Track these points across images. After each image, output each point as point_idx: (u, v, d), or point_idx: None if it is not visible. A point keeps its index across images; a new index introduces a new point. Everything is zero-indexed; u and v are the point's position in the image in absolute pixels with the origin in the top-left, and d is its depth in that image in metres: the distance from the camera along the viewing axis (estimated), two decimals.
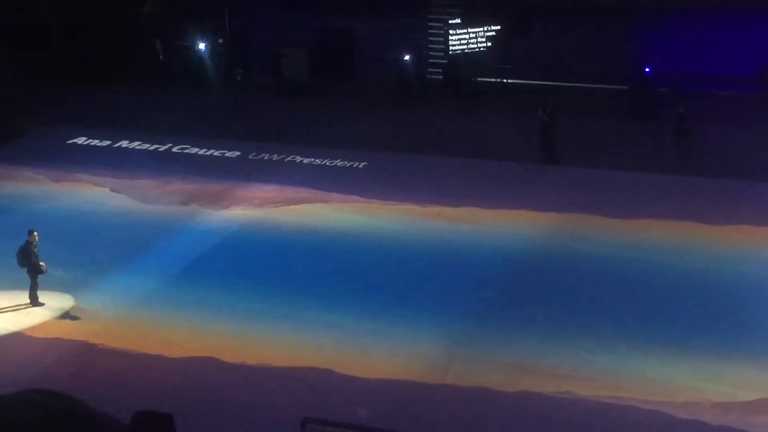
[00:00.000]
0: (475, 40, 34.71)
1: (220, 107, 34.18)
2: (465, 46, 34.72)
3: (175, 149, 30.30)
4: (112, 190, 27.04)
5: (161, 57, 37.22)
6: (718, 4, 32.35)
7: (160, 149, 30.34)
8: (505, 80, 35.39)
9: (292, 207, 25.70)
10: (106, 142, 30.94)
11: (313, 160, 29.03)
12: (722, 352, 18.73)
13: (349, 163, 28.74)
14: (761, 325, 19.61)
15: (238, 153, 29.78)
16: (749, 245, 22.91)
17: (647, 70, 32.14)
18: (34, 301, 20.63)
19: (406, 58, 34.58)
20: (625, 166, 27.68)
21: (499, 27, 34.71)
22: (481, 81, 35.05)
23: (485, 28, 34.65)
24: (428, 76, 35.57)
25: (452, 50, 34.75)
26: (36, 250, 20.48)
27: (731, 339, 19.13)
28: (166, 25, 37.34)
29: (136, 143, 30.79)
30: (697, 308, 20.31)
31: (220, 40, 37.27)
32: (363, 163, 28.72)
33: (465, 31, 34.63)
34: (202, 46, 36.32)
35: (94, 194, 26.83)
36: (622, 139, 29.85)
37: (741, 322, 19.76)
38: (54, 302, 20.75)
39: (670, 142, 28.40)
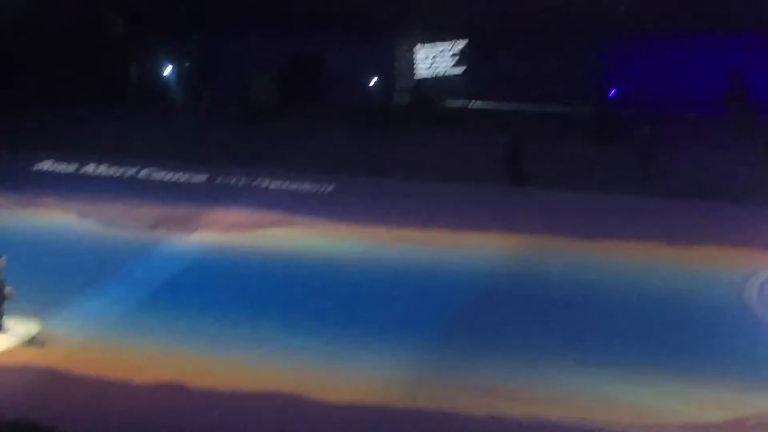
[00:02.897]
0: (442, 63, 34.88)
1: (187, 131, 34.10)
2: (432, 70, 34.87)
3: (142, 173, 30.21)
4: (80, 214, 26.91)
5: (134, 80, 37.16)
6: (682, 27, 32.61)
7: (127, 173, 30.25)
8: (471, 102, 35.52)
9: (259, 231, 25.66)
10: (74, 167, 30.83)
11: (280, 183, 29.01)
12: (690, 373, 18.78)
13: (316, 186, 28.73)
14: (729, 347, 19.72)
15: (205, 177, 29.73)
16: (716, 266, 23.04)
17: (612, 92, 32.35)
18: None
19: (373, 81, 34.65)
20: (592, 187, 27.79)
21: (465, 50, 34.89)
22: (447, 103, 35.18)
23: (452, 52, 34.83)
24: (395, 100, 35.62)
25: (419, 73, 34.89)
26: (2, 276, 20.35)
27: (699, 360, 19.20)
28: (135, 48, 37.27)
29: (104, 167, 30.69)
30: (665, 330, 20.39)
31: (188, 64, 37.22)
32: (330, 187, 28.71)
33: (432, 54, 34.79)
34: (170, 69, 36.28)
35: (62, 219, 26.69)
36: (588, 161, 29.95)
37: (709, 343, 19.85)
38: (20, 328, 20.57)
39: (635, 163, 28.55)
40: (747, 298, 21.69)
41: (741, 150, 29.71)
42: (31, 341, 20.31)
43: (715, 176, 28.24)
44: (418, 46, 34.84)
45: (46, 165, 31.06)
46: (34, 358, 19.71)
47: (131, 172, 30.34)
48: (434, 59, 35.06)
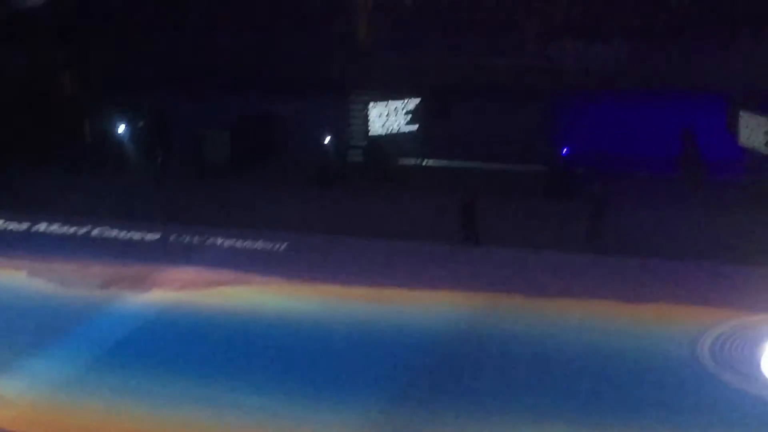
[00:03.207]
0: (395, 121, 35.06)
1: (140, 189, 33.97)
2: (385, 127, 35.04)
3: (94, 232, 30.04)
4: (30, 273, 26.72)
5: (87, 139, 37.07)
6: (634, 86, 33.03)
7: (79, 232, 30.07)
8: (424, 161, 35.70)
9: (212, 289, 25.56)
10: (25, 225, 30.61)
11: (233, 241, 28.95)
12: (643, 429, 18.86)
13: (270, 244, 28.69)
14: (682, 403, 19.80)
15: (158, 235, 29.60)
16: (668, 323, 23.16)
17: (565, 150, 32.62)
18: None
19: (327, 139, 34.75)
20: (545, 245, 27.94)
21: (418, 108, 35.12)
22: (400, 161, 35.34)
23: (405, 109, 35.05)
24: (349, 157, 35.71)
25: (372, 131, 35.06)
26: None
27: (652, 416, 19.30)
28: (88, 107, 37.21)
29: (55, 226, 30.50)
30: (618, 386, 20.47)
31: (142, 122, 37.16)
32: (284, 244, 28.68)
33: (385, 112, 34.97)
34: (122, 128, 36.22)
35: (12, 278, 26.48)
36: (541, 219, 30.13)
37: (662, 399, 19.94)
38: None
39: (586, 221, 28.74)
40: (699, 354, 21.82)
41: (693, 208, 30.04)
42: None
43: (667, 234, 28.48)
44: (372, 104, 35.00)
45: None
46: None
47: (83, 230, 30.16)
48: (387, 117, 35.22)
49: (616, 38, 33.09)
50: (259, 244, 28.71)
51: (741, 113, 31.69)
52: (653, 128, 33.32)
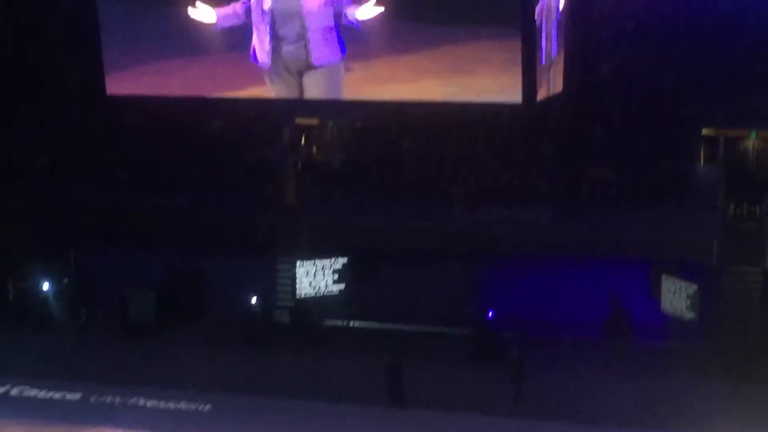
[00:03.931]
0: (323, 282, 35.10)
1: (62, 348, 33.49)
2: (312, 288, 35.05)
3: (13, 392, 29.47)
4: None
5: (10, 296, 36.67)
6: (560, 251, 33.54)
7: None
8: (351, 322, 35.71)
9: None
10: None
11: (157, 402, 28.53)
12: None
13: (194, 405, 28.33)
14: None
15: (79, 395, 29.10)
16: None
17: (491, 313, 32.83)
18: None
19: (253, 299, 34.69)
20: (470, 408, 27.90)
21: (345, 269, 35.25)
22: (327, 322, 35.32)
23: (332, 270, 35.15)
24: (275, 317, 35.61)
25: (299, 292, 35.04)
26: None
27: None
28: (10, 264, 36.88)
29: None
30: None
31: (66, 280, 36.86)
32: (208, 406, 28.33)
33: (312, 272, 35.04)
34: (46, 285, 35.91)
35: None
36: (466, 382, 30.13)
37: None
38: None
39: (512, 385, 28.80)
40: None
41: (618, 373, 30.26)
42: None
43: (591, 398, 28.60)
44: (299, 263, 35.07)
45: None
46: None
47: (2, 389, 29.58)
48: (315, 276, 35.27)
49: (543, 203, 33.70)
50: (183, 405, 28.32)
51: (664, 278, 32.27)
52: (578, 293, 33.71)
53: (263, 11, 24.23)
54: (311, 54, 24.14)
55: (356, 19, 24.89)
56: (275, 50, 24.22)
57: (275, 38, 24.17)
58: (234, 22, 25.41)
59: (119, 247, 36.49)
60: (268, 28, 24.15)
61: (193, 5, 26.90)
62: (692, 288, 31.50)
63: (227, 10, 24.52)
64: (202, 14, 24.19)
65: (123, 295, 35.50)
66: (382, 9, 24.14)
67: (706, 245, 32.33)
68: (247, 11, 25.19)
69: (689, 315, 31.50)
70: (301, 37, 24.25)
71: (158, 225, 36.13)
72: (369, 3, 23.22)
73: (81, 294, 36.69)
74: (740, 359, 30.05)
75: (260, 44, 24.41)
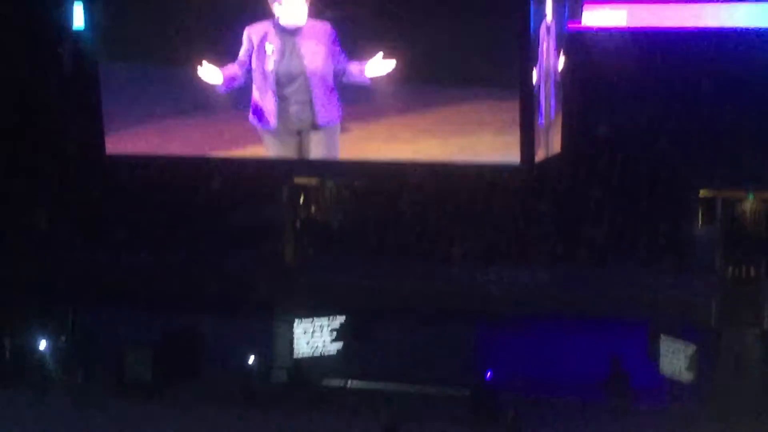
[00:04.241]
0: (321, 341, 35.04)
1: (58, 406, 33.33)
2: (310, 347, 34.98)
3: None
4: None
5: (7, 355, 36.56)
6: (559, 312, 33.52)
7: None
8: (349, 381, 35.56)
9: None
10: None
11: None
12: None
13: None
14: None
15: None
16: None
17: (489, 374, 32.73)
18: None
19: (251, 358, 34.59)
20: None
21: (343, 328, 35.20)
22: (325, 382, 35.18)
23: (330, 329, 35.10)
24: (273, 377, 35.48)
25: (297, 351, 34.95)
26: None
27: None
28: (7, 321, 36.81)
29: None
30: None
31: (63, 338, 36.78)
32: None
33: (310, 331, 34.98)
34: (43, 344, 35.82)
35: None
36: None
37: None
38: None
39: None
40: None
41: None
42: None
43: None
44: (296, 322, 35.01)
45: None
46: None
47: None
48: (312, 335, 35.20)
49: (541, 264, 33.73)
50: None
51: (662, 338, 32.22)
52: (576, 353, 33.63)
53: (265, 72, 24.38)
54: (317, 114, 24.27)
55: (363, 77, 24.99)
56: (281, 111, 24.28)
57: (280, 99, 24.25)
58: (238, 83, 25.57)
59: (117, 305, 36.47)
60: (272, 89, 24.25)
61: (194, 66, 27.09)
62: (691, 349, 31.45)
63: (231, 70, 24.68)
64: (209, 75, 24.32)
65: (120, 352, 35.41)
66: (393, 63, 24.21)
67: (705, 306, 32.36)
68: (247, 72, 25.34)
69: (688, 376, 31.42)
70: (306, 98, 24.38)
71: (156, 283, 36.16)
72: (376, 58, 23.25)
73: (78, 352, 36.59)
74: (739, 420, 29.96)
75: (264, 105, 24.53)
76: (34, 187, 38.27)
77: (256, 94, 26.07)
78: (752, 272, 33.37)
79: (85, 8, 30.79)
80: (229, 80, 24.77)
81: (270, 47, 24.17)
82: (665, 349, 32.14)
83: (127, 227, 37.35)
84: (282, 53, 24.13)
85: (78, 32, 34.25)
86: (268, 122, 25.30)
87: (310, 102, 24.47)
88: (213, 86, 25.97)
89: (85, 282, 36.47)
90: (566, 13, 31.91)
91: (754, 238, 34.50)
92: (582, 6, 32.18)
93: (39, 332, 36.08)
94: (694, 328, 32.00)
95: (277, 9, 23.60)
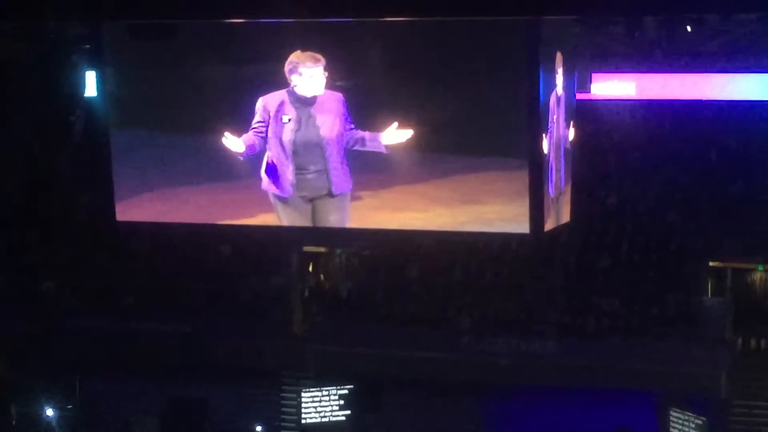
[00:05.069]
0: (328, 409, 34.90)
1: None
2: (318, 414, 34.84)
3: None
4: None
5: (14, 422, 36.40)
6: (568, 383, 33.39)
7: None
8: None
9: None
10: None
11: None
12: None
13: None
14: None
15: None
16: None
17: None
18: None
19: (258, 428, 34.43)
20: None
21: (351, 396, 35.08)
22: None
23: (338, 396, 34.99)
24: None
25: (305, 418, 34.82)
26: None
27: None
28: (14, 389, 36.70)
29: None
30: None
31: (70, 406, 36.65)
32: None
33: (318, 399, 34.86)
34: (50, 411, 35.69)
35: None
36: None
37: None
38: None
39: None
40: None
41: None
42: None
43: None
44: (304, 390, 34.88)
45: None
46: None
47: None
48: (320, 403, 35.07)
49: (550, 334, 33.66)
50: None
51: (672, 411, 32.06)
52: (585, 425, 33.43)
53: (282, 141, 24.41)
54: (333, 184, 24.23)
55: (379, 146, 25.11)
56: (298, 180, 24.34)
57: (298, 168, 24.33)
58: (255, 151, 25.68)
59: (124, 374, 36.36)
60: (289, 158, 24.31)
61: (207, 134, 27.21)
62: (700, 421, 31.28)
63: (249, 140, 24.82)
64: (232, 144, 24.45)
65: (126, 421, 35.26)
66: (410, 133, 24.34)
67: (715, 378, 32.21)
68: (262, 140, 25.41)
69: None
70: (323, 167, 24.39)
71: (164, 351, 36.06)
72: (392, 127, 23.36)
73: (85, 420, 36.45)
74: None
75: (281, 173, 24.50)
76: (44, 253, 38.34)
77: (271, 163, 26.16)
78: (762, 344, 33.31)
79: (97, 76, 30.96)
80: (250, 149, 24.84)
81: (286, 117, 24.24)
82: (675, 422, 31.97)
83: (135, 295, 37.34)
84: (299, 123, 24.12)
85: (90, 100, 34.51)
86: (285, 190, 25.30)
87: (327, 171, 24.49)
88: (228, 154, 26.09)
89: (92, 350, 36.39)
90: (575, 84, 32.07)
91: (764, 309, 34.48)
92: (591, 76, 32.31)
93: (45, 400, 35.99)
94: (704, 399, 31.86)
95: (295, 79, 23.65)
